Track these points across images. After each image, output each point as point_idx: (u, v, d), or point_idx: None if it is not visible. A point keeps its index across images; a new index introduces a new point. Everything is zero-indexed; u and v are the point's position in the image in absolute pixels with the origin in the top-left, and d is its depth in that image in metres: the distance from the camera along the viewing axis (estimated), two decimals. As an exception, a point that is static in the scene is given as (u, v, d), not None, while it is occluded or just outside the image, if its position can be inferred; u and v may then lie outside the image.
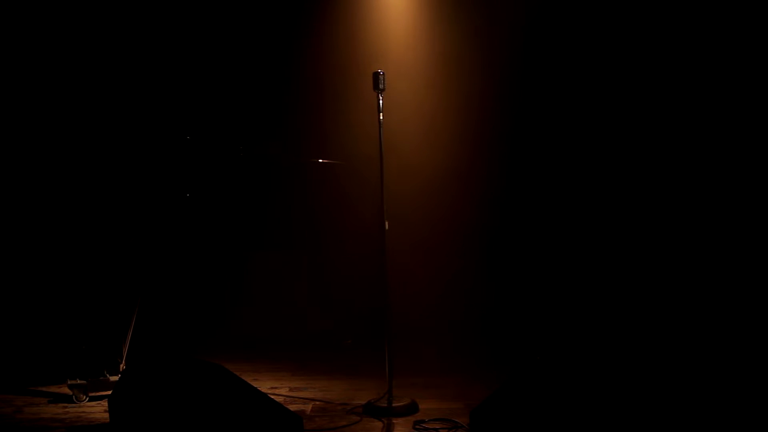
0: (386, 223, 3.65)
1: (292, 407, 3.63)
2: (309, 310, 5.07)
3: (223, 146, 4.78)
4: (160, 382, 3.10)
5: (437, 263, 4.70)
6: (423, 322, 4.94)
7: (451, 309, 4.98)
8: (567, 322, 4.85)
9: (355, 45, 4.96)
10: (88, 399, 3.90)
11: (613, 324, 4.65)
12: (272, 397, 3.34)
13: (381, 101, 3.69)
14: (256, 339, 5.13)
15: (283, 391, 4.00)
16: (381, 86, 3.69)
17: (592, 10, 4.91)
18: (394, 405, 3.58)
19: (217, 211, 5.18)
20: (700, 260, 4.55)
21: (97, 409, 3.77)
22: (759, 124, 4.46)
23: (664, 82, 4.73)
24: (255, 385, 3.33)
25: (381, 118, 3.68)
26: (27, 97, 4.91)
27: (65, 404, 3.87)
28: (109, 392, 3.57)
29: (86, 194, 4.90)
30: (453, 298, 5.03)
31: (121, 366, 3.98)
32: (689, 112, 4.65)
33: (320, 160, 4.57)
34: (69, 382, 3.89)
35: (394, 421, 3.48)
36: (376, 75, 3.73)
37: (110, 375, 3.90)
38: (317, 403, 3.80)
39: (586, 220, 4.98)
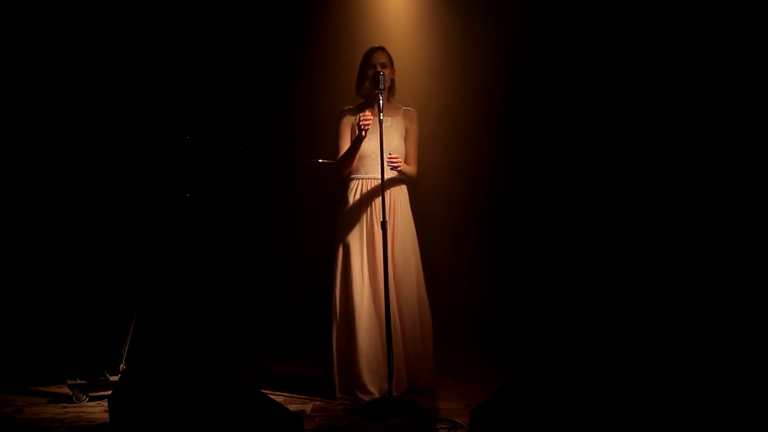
0: (386, 223, 3.65)
1: (292, 407, 3.63)
2: (310, 309, 5.07)
3: (223, 146, 4.77)
4: (160, 382, 3.10)
5: (436, 263, 4.69)
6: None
7: (450, 309, 4.98)
8: (567, 322, 4.85)
9: (355, 43, 4.95)
10: (88, 399, 3.90)
11: (613, 324, 4.65)
12: (272, 397, 3.33)
13: (381, 101, 3.69)
14: (257, 338, 5.14)
15: (283, 391, 3.99)
16: (381, 86, 3.70)
17: (600, 2, 4.90)
18: (394, 405, 3.58)
19: (217, 210, 5.19)
20: (701, 260, 4.54)
21: (97, 409, 3.77)
22: (760, 127, 4.45)
23: (671, 81, 4.72)
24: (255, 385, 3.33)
25: (381, 117, 3.68)
26: (27, 97, 4.91)
27: (65, 404, 3.87)
28: (109, 392, 3.58)
29: (86, 194, 4.91)
30: (452, 298, 5.02)
31: (121, 366, 3.98)
32: (694, 111, 4.63)
33: (320, 160, 4.56)
34: (69, 382, 3.89)
35: (394, 421, 3.48)
36: (376, 75, 3.73)
37: (110, 375, 3.91)
38: (317, 403, 3.80)
39: (588, 220, 4.98)
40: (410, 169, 3.98)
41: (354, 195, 3.92)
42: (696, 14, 4.59)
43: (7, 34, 4.84)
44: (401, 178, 3.96)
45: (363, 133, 3.76)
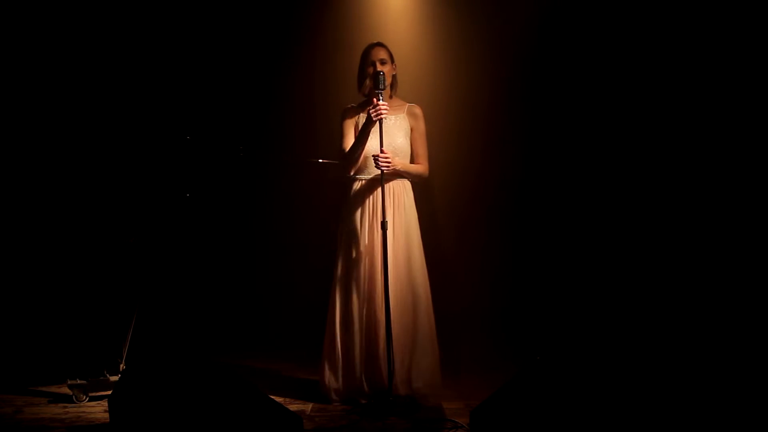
0: (386, 222, 3.64)
1: (292, 407, 3.63)
2: (310, 309, 5.06)
3: (223, 146, 4.77)
4: (160, 382, 3.10)
5: (436, 265, 4.69)
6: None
7: (450, 310, 4.97)
8: (568, 322, 4.84)
9: (356, 41, 4.95)
10: (88, 399, 3.90)
11: (614, 323, 4.65)
12: (272, 397, 3.33)
13: (382, 101, 3.68)
14: (257, 338, 5.14)
15: (283, 391, 3.99)
16: (381, 86, 3.69)
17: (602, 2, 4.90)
18: (394, 405, 3.58)
19: (217, 211, 5.19)
20: (702, 260, 4.54)
21: (97, 409, 3.77)
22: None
23: (672, 85, 4.71)
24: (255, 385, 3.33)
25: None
26: (27, 97, 4.91)
27: (65, 404, 3.87)
28: (109, 392, 3.58)
29: (86, 194, 4.91)
30: (453, 298, 5.02)
31: (121, 366, 3.98)
32: (698, 112, 4.62)
33: (320, 160, 4.56)
34: (69, 382, 3.89)
35: (394, 421, 3.47)
36: (375, 74, 3.73)
37: (110, 375, 3.91)
38: (317, 403, 3.80)
39: (591, 219, 4.97)
40: (417, 168, 3.86)
41: (356, 195, 3.85)
42: (700, 13, 4.58)
43: (8, 35, 4.84)
44: (405, 177, 3.86)
45: (373, 122, 3.67)
